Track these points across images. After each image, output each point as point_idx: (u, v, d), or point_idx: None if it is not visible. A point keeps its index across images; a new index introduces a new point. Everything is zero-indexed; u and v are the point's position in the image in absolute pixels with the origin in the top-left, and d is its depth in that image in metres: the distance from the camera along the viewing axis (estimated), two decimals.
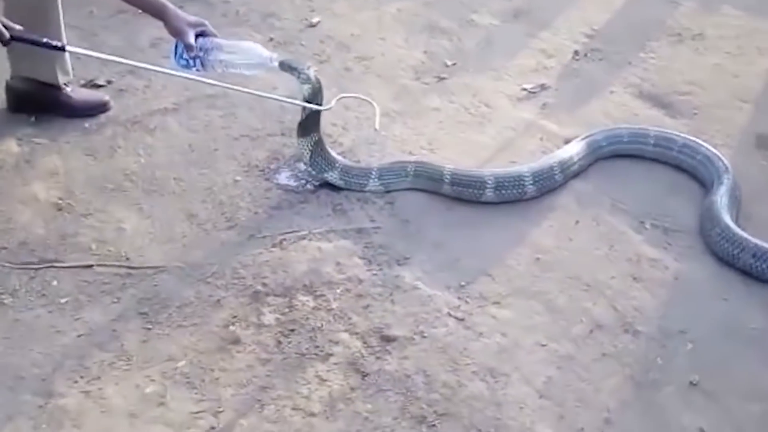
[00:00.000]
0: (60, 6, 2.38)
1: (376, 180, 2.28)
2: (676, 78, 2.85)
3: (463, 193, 2.24)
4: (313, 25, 3.25)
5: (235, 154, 2.47)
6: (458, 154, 2.45)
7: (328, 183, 2.30)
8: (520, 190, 2.22)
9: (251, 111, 2.66)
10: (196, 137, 2.54)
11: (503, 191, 2.21)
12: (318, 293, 1.93)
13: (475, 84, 2.84)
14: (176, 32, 2.07)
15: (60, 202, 2.23)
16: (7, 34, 1.86)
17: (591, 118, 2.64)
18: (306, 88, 2.13)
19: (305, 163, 2.30)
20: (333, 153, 2.30)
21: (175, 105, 2.70)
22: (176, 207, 2.25)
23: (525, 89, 2.81)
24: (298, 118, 2.27)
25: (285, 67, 2.10)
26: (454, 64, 2.97)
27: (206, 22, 2.13)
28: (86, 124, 2.58)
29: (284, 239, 2.11)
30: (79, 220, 2.17)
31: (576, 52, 3.03)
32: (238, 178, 2.37)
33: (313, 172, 2.30)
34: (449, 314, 1.89)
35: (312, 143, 2.23)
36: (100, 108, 2.62)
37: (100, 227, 2.15)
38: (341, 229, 2.15)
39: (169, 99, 2.72)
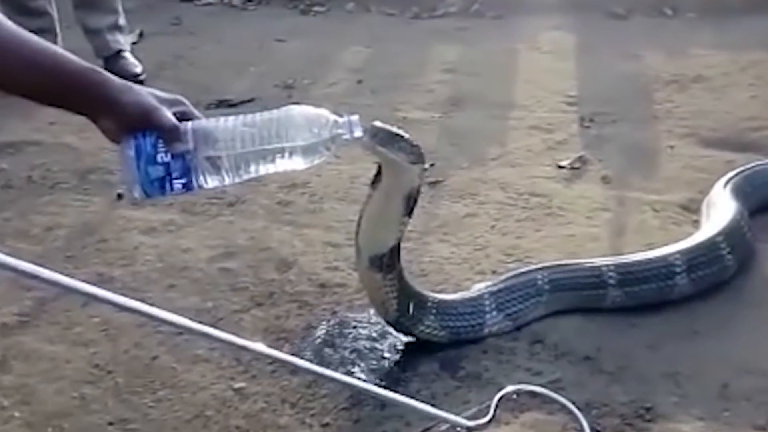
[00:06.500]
0: None
1: (495, 314, 1.64)
2: (726, 118, 2.71)
3: (645, 294, 1.69)
4: None
5: (201, 353, 1.65)
6: (566, 257, 1.90)
7: (418, 341, 1.61)
8: (720, 266, 1.75)
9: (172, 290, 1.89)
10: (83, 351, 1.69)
11: (699, 273, 1.72)
12: None
13: (490, 177, 2.40)
14: (140, 115, 1.19)
15: None
16: None
17: (679, 176, 2.33)
18: (418, 170, 1.45)
19: (388, 316, 1.59)
20: (416, 287, 1.62)
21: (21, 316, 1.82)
22: None
23: (562, 167, 2.43)
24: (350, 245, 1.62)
25: (380, 137, 1.35)
26: (432, 165, 2.49)
27: (185, 101, 1.27)
28: None
29: None
30: None
31: (582, 119, 2.78)
32: (241, 384, 1.55)
33: (401, 327, 1.61)
34: None
35: (399, 279, 1.54)
36: None
37: None
38: (503, 401, 1.44)
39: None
